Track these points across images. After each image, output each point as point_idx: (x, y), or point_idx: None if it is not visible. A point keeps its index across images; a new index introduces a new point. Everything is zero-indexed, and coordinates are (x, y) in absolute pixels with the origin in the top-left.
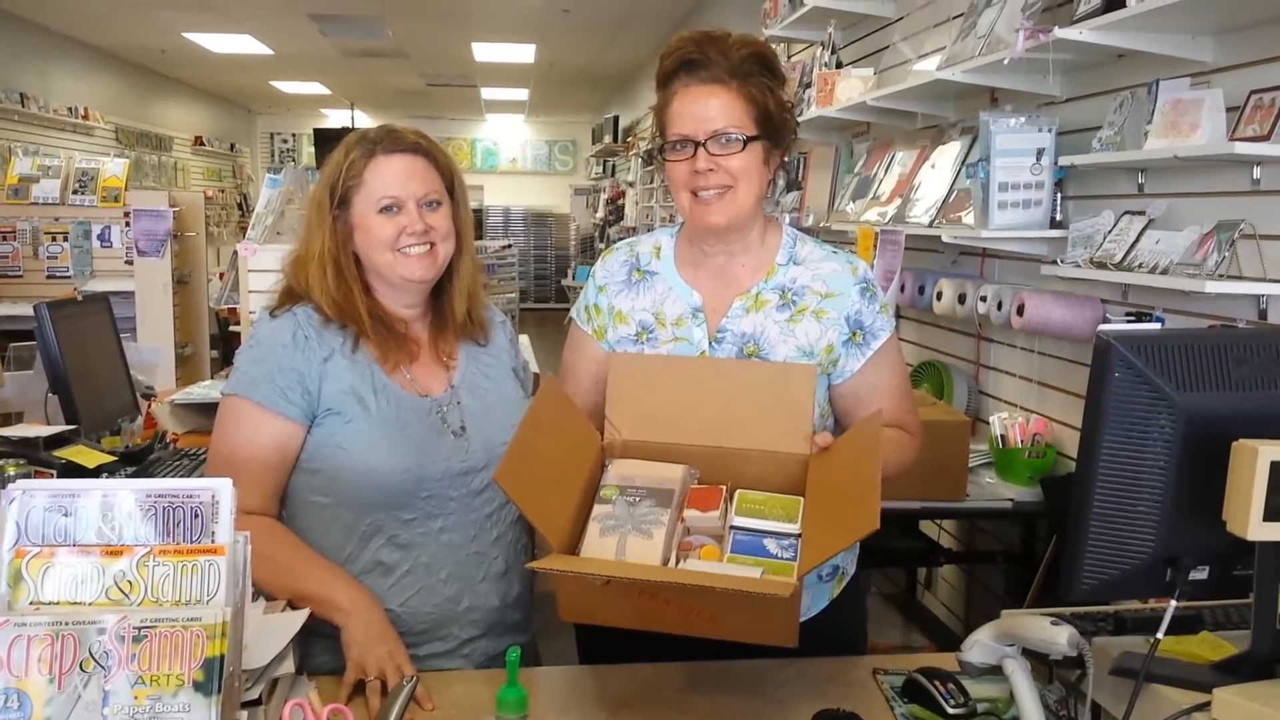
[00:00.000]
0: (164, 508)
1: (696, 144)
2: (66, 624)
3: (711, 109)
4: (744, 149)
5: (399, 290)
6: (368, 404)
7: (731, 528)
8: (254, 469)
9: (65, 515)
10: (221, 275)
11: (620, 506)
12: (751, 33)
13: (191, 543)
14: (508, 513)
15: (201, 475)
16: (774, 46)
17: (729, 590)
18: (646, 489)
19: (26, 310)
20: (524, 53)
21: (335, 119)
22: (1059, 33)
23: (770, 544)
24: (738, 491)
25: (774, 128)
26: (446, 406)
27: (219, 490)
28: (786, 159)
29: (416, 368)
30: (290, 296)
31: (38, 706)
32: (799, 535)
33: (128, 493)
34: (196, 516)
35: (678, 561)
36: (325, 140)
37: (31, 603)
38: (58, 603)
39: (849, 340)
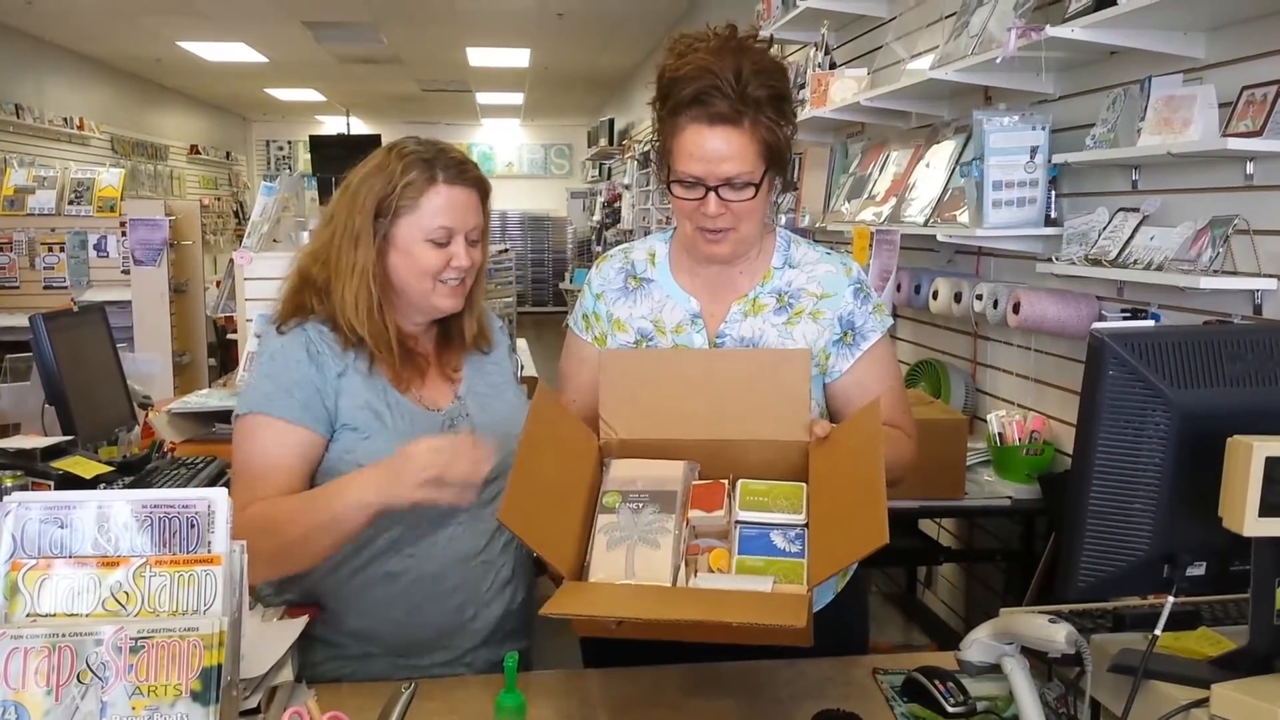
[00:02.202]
0: (160, 518)
1: (708, 187)
2: (63, 636)
3: (724, 152)
4: (755, 194)
5: (420, 312)
6: (383, 419)
7: (737, 523)
8: (280, 478)
9: (61, 527)
10: (218, 283)
11: (624, 515)
12: (761, 40)
13: (188, 553)
14: None
15: (199, 485)
16: (773, 49)
17: (745, 625)
18: (649, 493)
19: (23, 321)
20: (518, 57)
21: (331, 125)
22: (1051, 31)
23: (777, 538)
24: (740, 482)
25: (781, 158)
26: (456, 419)
27: (214, 500)
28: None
29: (425, 383)
30: (297, 309)
31: (35, 718)
32: (805, 524)
33: (123, 504)
34: (192, 527)
35: (687, 572)
36: (321, 147)
37: (28, 615)
38: (54, 614)
39: (839, 340)
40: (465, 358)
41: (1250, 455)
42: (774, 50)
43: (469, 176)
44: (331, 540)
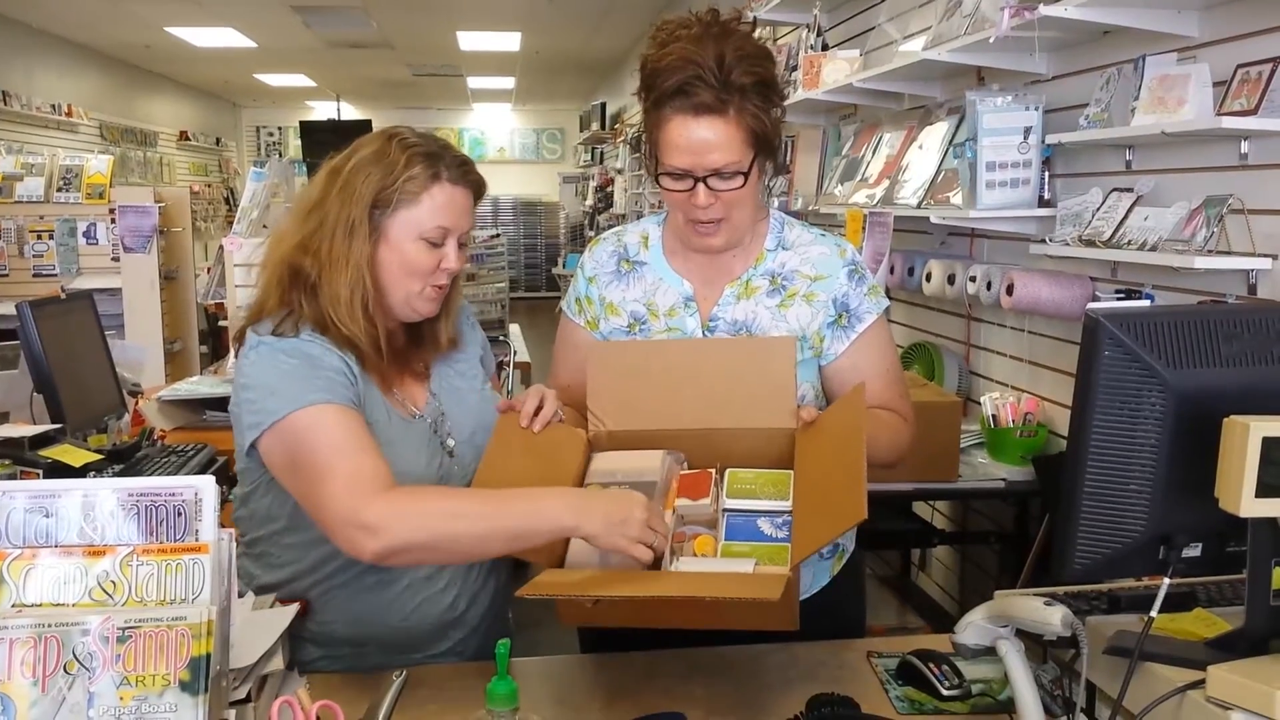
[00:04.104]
0: (146, 506)
1: (696, 178)
2: (50, 626)
3: (710, 142)
4: (744, 183)
5: (396, 314)
6: (381, 429)
7: (724, 511)
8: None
9: (46, 516)
10: (209, 270)
11: None
12: (744, 22)
13: (175, 541)
14: None
15: (189, 473)
16: (760, 31)
17: (721, 599)
18: (629, 484)
19: (12, 309)
20: (509, 41)
21: (321, 111)
22: (1044, 10)
23: (764, 524)
24: (728, 471)
25: (770, 143)
26: (436, 420)
27: (202, 488)
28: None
29: (402, 383)
30: (282, 304)
31: (22, 710)
32: (792, 511)
33: (109, 492)
34: (179, 515)
35: (672, 557)
36: (311, 132)
37: (14, 605)
38: (40, 604)
39: (834, 323)
40: (434, 356)
41: (1247, 435)
42: (764, 32)
43: (471, 178)
44: (507, 546)
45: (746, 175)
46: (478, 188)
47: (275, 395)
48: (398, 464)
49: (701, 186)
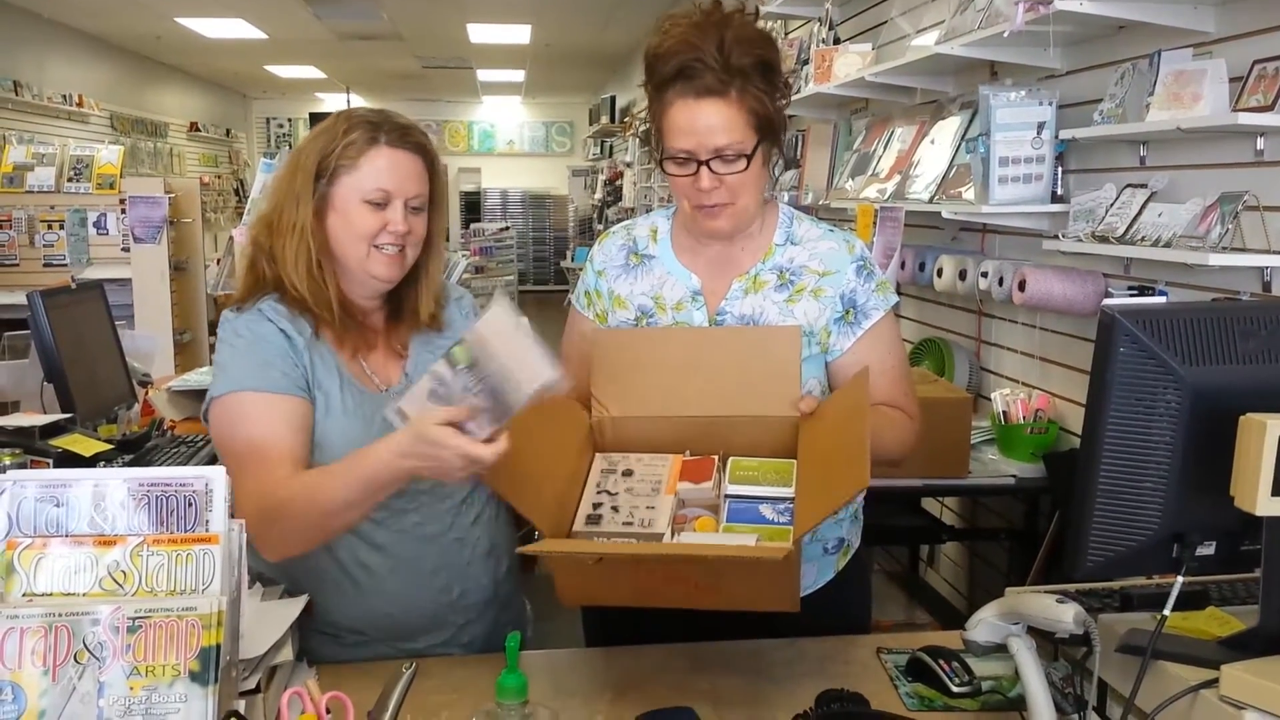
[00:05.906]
0: (156, 497)
1: (699, 161)
2: (60, 615)
3: (713, 124)
4: (748, 165)
5: (358, 282)
6: (332, 399)
7: (726, 496)
8: (282, 450)
9: (57, 506)
10: (219, 261)
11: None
12: (747, 14)
13: (186, 532)
14: (480, 492)
15: (199, 463)
16: (770, 24)
17: (725, 558)
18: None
19: (22, 299)
20: (519, 33)
21: (331, 103)
22: (1059, 4)
23: (766, 510)
24: (730, 459)
25: (773, 128)
26: None
27: (212, 479)
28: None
29: (374, 358)
30: (254, 281)
31: (32, 699)
32: (794, 498)
33: (119, 482)
34: (190, 505)
35: (673, 536)
36: None
37: (25, 594)
38: (51, 594)
39: (841, 318)
40: (413, 335)
41: (1263, 433)
42: (775, 25)
43: (411, 141)
44: (361, 511)
45: (750, 158)
46: (422, 150)
47: (221, 373)
48: (347, 434)
49: (705, 170)
